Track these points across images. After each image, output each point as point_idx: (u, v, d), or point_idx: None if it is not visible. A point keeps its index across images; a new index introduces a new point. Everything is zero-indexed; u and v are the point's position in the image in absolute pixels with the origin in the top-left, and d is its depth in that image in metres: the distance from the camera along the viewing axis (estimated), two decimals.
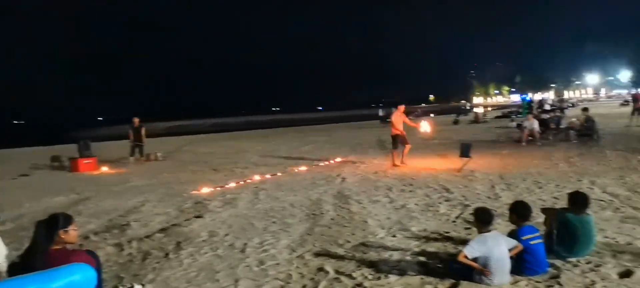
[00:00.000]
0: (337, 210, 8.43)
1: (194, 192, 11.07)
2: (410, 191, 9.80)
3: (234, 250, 6.44)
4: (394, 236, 6.56)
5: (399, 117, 14.13)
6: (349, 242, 6.44)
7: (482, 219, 4.82)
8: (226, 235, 7.21)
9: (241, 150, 22.73)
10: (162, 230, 7.74)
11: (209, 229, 7.59)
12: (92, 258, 4.28)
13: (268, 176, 13.01)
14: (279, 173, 13.42)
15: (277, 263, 5.73)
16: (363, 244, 6.28)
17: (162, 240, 7.16)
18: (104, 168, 16.64)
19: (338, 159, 16.07)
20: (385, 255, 5.76)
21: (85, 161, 16.72)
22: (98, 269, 4.30)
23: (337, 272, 5.28)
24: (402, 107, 14.59)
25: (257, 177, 12.78)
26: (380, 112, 44.01)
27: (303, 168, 14.35)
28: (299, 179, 12.32)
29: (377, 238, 6.54)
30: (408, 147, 13.95)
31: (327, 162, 15.44)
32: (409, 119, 14.94)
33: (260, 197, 10.08)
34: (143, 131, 18.94)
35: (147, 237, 7.36)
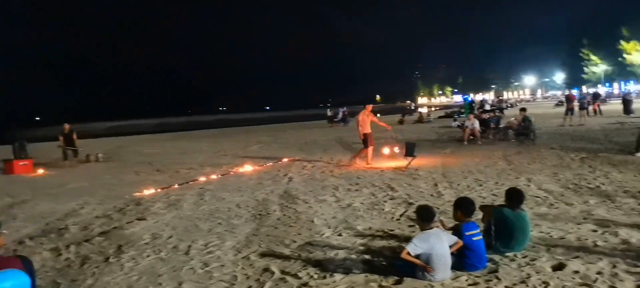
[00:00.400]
0: (283, 210, 8.41)
1: (136, 193, 10.78)
2: (357, 190, 9.91)
3: (177, 252, 6.31)
4: (339, 235, 6.61)
5: (366, 117, 13.97)
6: (295, 241, 6.44)
7: (424, 217, 4.93)
8: (170, 237, 7.05)
9: (186, 151, 22.31)
10: (103, 233, 7.50)
11: (152, 232, 7.40)
12: (24, 264, 4.08)
13: (214, 177, 12.83)
14: (225, 174, 13.26)
15: (222, 265, 5.66)
16: (309, 243, 6.29)
17: (102, 243, 6.93)
18: (41, 171, 15.95)
19: (285, 159, 16.04)
20: (331, 254, 5.79)
21: (21, 163, 15.99)
22: (31, 276, 4.10)
23: (282, 272, 5.27)
24: (369, 107, 14.41)
25: (202, 178, 12.57)
26: (329, 112, 44.29)
27: (249, 168, 14.24)
28: (245, 179, 12.22)
29: (323, 237, 6.57)
30: (371, 148, 13.83)
31: (274, 162, 15.38)
32: (377, 117, 14.89)
33: (205, 198, 9.93)
34: (74, 136, 18.42)
35: (86, 240, 7.11)
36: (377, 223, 7.08)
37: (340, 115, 40.36)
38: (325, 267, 5.32)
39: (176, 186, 11.61)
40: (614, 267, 4.73)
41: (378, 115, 16.05)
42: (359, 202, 8.72)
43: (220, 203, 9.32)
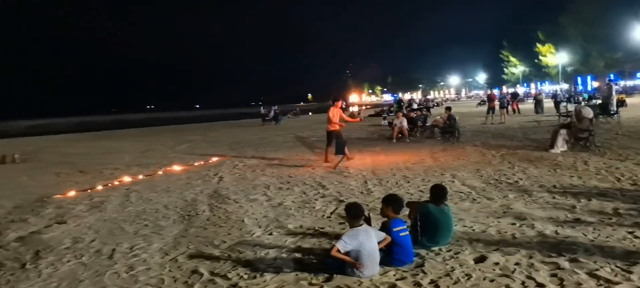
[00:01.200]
0: (213, 210, 8.27)
1: (57, 196, 10.25)
2: (288, 189, 9.90)
3: (100, 256, 6.05)
4: (270, 234, 6.58)
5: (335, 113, 13.77)
6: (224, 242, 6.34)
7: (353, 214, 5.00)
8: (92, 241, 6.76)
9: (111, 151, 21.49)
10: (19, 238, 7.08)
11: (73, 235, 7.07)
12: None
13: (140, 177, 12.44)
14: (152, 174, 12.87)
15: (149, 268, 5.48)
16: (239, 244, 6.22)
17: (19, 249, 6.55)
18: None
19: (215, 158, 15.79)
20: (262, 253, 5.75)
21: None
22: None
23: (211, 273, 5.18)
24: (339, 103, 14.18)
25: (128, 178, 12.15)
26: (262, 110, 43.98)
27: (178, 168, 13.91)
28: (173, 179, 11.92)
29: (253, 237, 6.52)
30: (329, 148, 13.61)
31: (204, 162, 15.10)
32: (347, 114, 14.60)
33: (131, 199, 9.59)
34: None
35: (1, 246, 6.68)
36: (308, 222, 7.11)
37: (272, 113, 40.23)
38: (255, 267, 5.28)
39: (100, 187, 11.15)
40: (531, 257, 5.00)
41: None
42: (290, 200, 8.72)
43: (147, 205, 9.04)
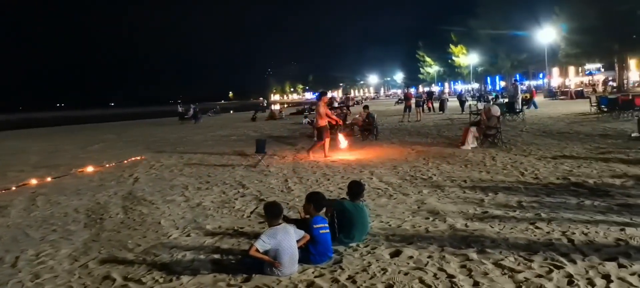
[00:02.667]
0: (127, 213, 7.97)
1: None
2: (207, 188, 9.73)
3: (3, 265, 5.66)
4: (188, 235, 6.43)
5: (323, 108, 13.65)
6: (139, 245, 6.12)
7: (272, 213, 4.99)
8: None
9: (17, 151, 20.13)
10: None
11: None
12: None
13: (49, 179, 11.74)
14: (61, 176, 12.19)
15: (56, 276, 5.19)
16: (155, 246, 6.03)
17: None
18: None
19: (131, 158, 15.21)
20: (179, 255, 5.61)
21: None
22: None
23: (125, 278, 4.98)
24: (325, 98, 14.03)
25: (34, 181, 11.43)
26: (180, 109, 42.86)
27: (90, 169, 13.26)
28: (85, 181, 11.36)
29: (170, 239, 6.34)
30: (327, 140, 13.57)
31: (118, 162, 14.50)
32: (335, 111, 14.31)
33: (37, 203, 9.04)
34: None
35: None
36: (228, 222, 7.01)
37: (191, 112, 39.33)
38: (172, 269, 5.14)
39: (2, 191, 10.41)
40: (442, 250, 5.22)
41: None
42: (209, 200, 8.57)
43: (55, 208, 8.56)
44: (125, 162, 14.58)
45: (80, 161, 15.32)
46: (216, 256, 5.49)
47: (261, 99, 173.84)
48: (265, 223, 5.54)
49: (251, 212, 7.50)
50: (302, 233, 5.04)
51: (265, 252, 4.70)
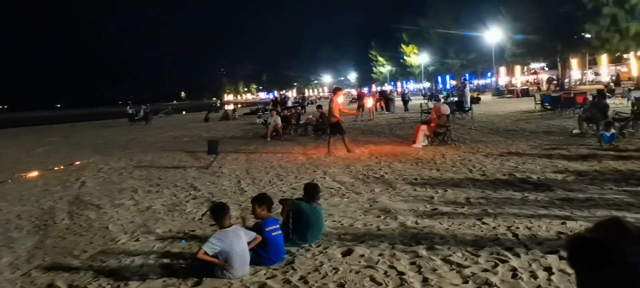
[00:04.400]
0: (73, 218, 7.72)
1: None
2: (157, 191, 9.54)
3: None
4: (137, 240, 6.29)
5: (336, 104, 13.60)
6: (85, 251, 5.94)
7: (220, 215, 4.95)
8: None
9: None
10: None
11: None
12: None
13: None
14: (3, 182, 11.68)
15: None
16: (102, 252, 5.87)
17: None
18: None
19: (78, 162, 14.74)
20: (127, 261, 5.48)
21: None
22: None
23: (70, 286, 4.83)
24: (339, 92, 14.16)
25: None
26: (129, 110, 41.74)
27: (35, 173, 12.76)
28: (28, 186, 10.94)
29: (118, 244, 6.19)
30: (346, 136, 13.66)
31: (64, 166, 14.01)
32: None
33: None
34: None
35: None
36: (178, 225, 6.90)
37: (141, 113, 38.41)
38: (120, 275, 5.02)
39: None
40: (393, 248, 5.30)
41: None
42: (159, 203, 8.40)
43: None
44: (72, 165, 14.11)
45: (23, 165, 14.73)
46: (166, 260, 5.40)
47: (214, 99, 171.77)
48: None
49: (203, 215, 7.39)
50: (253, 234, 5.02)
51: (216, 255, 4.66)
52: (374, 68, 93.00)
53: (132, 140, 22.53)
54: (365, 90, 65.86)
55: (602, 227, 1.21)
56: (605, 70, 60.56)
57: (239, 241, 4.75)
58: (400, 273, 4.58)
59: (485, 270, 4.51)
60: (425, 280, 4.40)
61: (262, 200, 5.43)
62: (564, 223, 5.71)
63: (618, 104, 21.81)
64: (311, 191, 5.98)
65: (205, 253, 4.59)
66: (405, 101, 33.51)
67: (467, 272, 4.50)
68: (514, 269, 4.48)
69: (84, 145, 21.40)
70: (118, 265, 5.36)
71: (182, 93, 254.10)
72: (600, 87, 28.04)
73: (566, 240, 1.18)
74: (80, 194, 9.71)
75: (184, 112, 66.93)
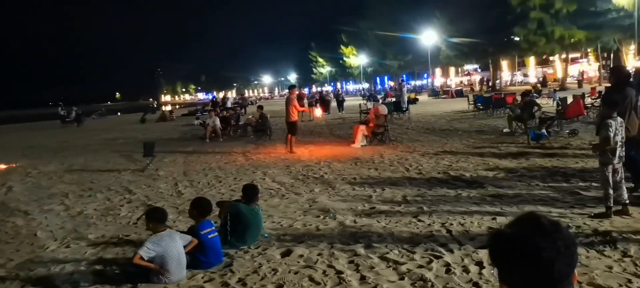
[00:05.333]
0: None
1: None
2: (90, 196, 9.18)
3: None
4: (67, 247, 6.03)
5: (294, 103, 13.91)
6: (12, 260, 5.64)
7: (156, 219, 4.83)
8: None
9: None
10: None
11: None
12: None
13: None
14: None
15: None
16: (30, 261, 5.59)
17: None
18: None
19: (3, 166, 13.96)
20: (57, 269, 5.24)
21: None
22: None
23: None
24: (295, 91, 14.46)
25: None
26: (61, 111, 39.86)
27: None
28: None
29: (47, 251, 5.91)
30: (293, 137, 13.73)
31: None
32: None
33: None
34: None
35: None
36: (112, 230, 6.67)
37: (73, 114, 36.84)
38: (49, 284, 4.81)
39: None
40: (332, 247, 5.35)
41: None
42: (92, 208, 8.09)
43: None
44: None
45: None
46: (98, 267, 5.21)
47: (151, 99, 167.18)
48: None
49: (138, 219, 7.17)
50: (189, 238, 4.93)
51: (151, 260, 4.55)
52: (314, 69, 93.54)
53: (63, 143, 21.58)
54: (305, 91, 65.96)
55: (519, 222, 1.28)
56: (533, 71, 63.70)
57: (174, 245, 4.66)
58: (339, 272, 4.63)
59: (421, 266, 4.64)
60: (363, 278, 4.47)
61: (196, 204, 5.34)
62: (494, 218, 5.95)
63: (544, 104, 22.98)
64: (249, 192, 5.94)
65: (141, 258, 4.47)
66: (340, 102, 32.75)
67: (403, 268, 4.61)
68: (447, 264, 4.63)
69: (9, 148, 20.27)
70: (47, 273, 5.12)
71: (117, 94, 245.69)
72: (528, 87, 29.42)
73: (487, 237, 1.24)
74: (6, 200, 9.21)
75: (118, 113, 64.81)
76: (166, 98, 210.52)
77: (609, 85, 7.75)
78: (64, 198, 9.03)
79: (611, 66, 48.43)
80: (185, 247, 4.80)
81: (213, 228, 5.24)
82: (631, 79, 7.17)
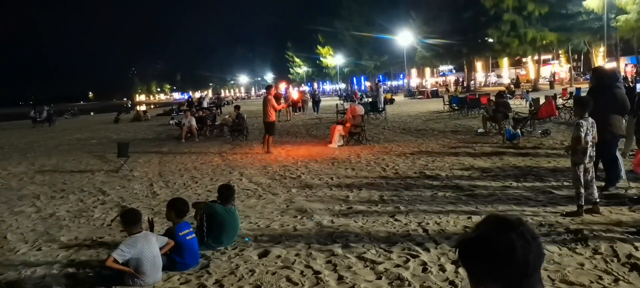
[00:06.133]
0: None
1: None
2: (62, 197, 9.00)
3: None
4: (39, 249, 5.90)
5: (273, 103, 13.75)
6: None
7: (129, 221, 4.75)
8: None
9: None
10: None
11: None
12: None
13: None
14: None
15: None
16: (0, 264, 5.45)
17: None
18: None
19: None
20: (27, 272, 5.12)
21: None
22: None
23: None
24: (273, 91, 14.26)
25: None
26: (33, 112, 38.93)
27: None
28: None
29: (18, 254, 5.77)
30: (270, 137, 13.68)
31: None
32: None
33: None
34: None
35: None
36: (85, 232, 6.55)
37: (44, 114, 36.07)
38: (19, 287, 4.69)
39: None
40: (309, 247, 5.35)
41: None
42: (64, 210, 7.93)
43: None
44: None
45: None
46: (71, 270, 5.11)
47: (125, 99, 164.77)
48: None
49: (112, 220, 7.06)
50: (165, 240, 4.87)
51: (126, 262, 4.47)
52: (290, 69, 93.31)
53: (34, 143, 21.11)
54: (281, 91, 65.80)
55: (485, 224, 1.31)
56: (506, 72, 64.65)
57: (149, 247, 4.59)
58: (316, 272, 4.62)
59: (398, 266, 4.66)
60: (340, 278, 4.47)
61: (172, 205, 5.27)
62: (469, 218, 6.02)
63: (518, 105, 23.35)
64: (225, 192, 5.89)
65: (115, 260, 4.39)
66: (316, 102, 32.14)
67: (380, 268, 4.63)
68: (424, 263, 4.66)
69: None
70: (17, 277, 5.01)
71: (90, 93, 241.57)
72: (502, 88, 29.84)
73: (455, 243, 1.26)
74: None
75: (91, 113, 63.75)
76: (141, 97, 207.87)
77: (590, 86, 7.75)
78: (35, 200, 8.84)
79: (582, 68, 49.55)
80: (161, 248, 4.74)
81: (191, 229, 5.19)
82: (616, 79, 7.22)
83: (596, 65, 29.57)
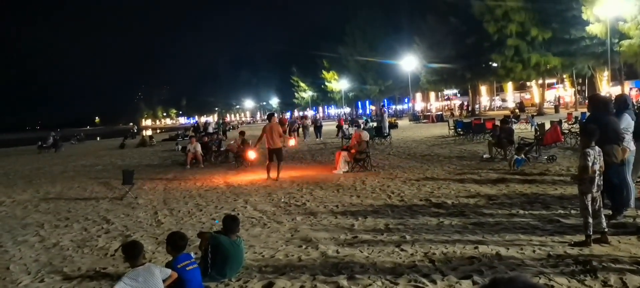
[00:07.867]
0: None
1: None
2: (66, 226, 8.97)
3: None
4: (41, 281, 5.85)
5: (278, 130, 13.70)
6: None
7: (132, 254, 4.71)
8: None
9: None
10: None
11: None
12: None
13: None
14: None
15: None
16: None
17: None
18: None
19: None
20: None
21: None
22: None
23: None
24: (275, 118, 14.08)
25: None
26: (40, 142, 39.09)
27: None
28: None
29: (20, 286, 5.73)
30: (281, 163, 13.59)
31: None
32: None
33: None
34: None
35: None
36: (88, 263, 6.50)
37: (50, 139, 36.26)
38: None
39: None
40: (314, 279, 5.28)
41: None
42: (68, 239, 7.89)
43: None
44: None
45: None
46: None
47: (131, 124, 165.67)
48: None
49: (115, 250, 7.01)
50: (168, 272, 4.82)
51: None
52: (295, 93, 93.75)
53: (39, 169, 21.18)
54: (286, 115, 66.08)
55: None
56: (511, 96, 64.75)
57: (153, 280, 4.54)
58: None
59: None
60: None
61: (168, 241, 5.23)
62: (476, 247, 5.95)
63: (523, 129, 23.29)
64: (230, 224, 5.84)
65: None
66: (318, 127, 31.67)
67: None
68: None
69: None
70: None
71: (97, 118, 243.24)
72: (507, 112, 29.85)
73: None
74: None
75: (97, 138, 64.06)
76: (147, 122, 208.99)
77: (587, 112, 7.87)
78: (39, 229, 8.82)
79: (586, 92, 49.55)
80: (164, 281, 4.68)
81: (192, 260, 5.14)
82: (610, 107, 7.25)
83: (592, 93, 29.59)
